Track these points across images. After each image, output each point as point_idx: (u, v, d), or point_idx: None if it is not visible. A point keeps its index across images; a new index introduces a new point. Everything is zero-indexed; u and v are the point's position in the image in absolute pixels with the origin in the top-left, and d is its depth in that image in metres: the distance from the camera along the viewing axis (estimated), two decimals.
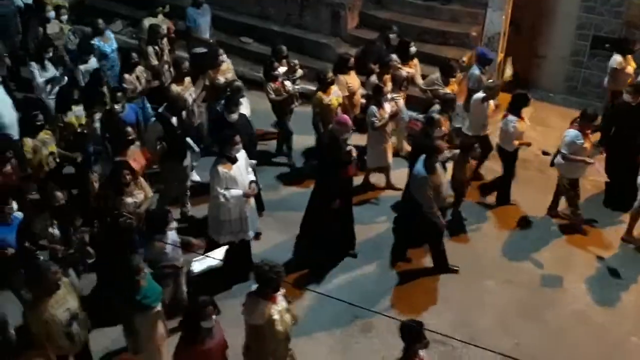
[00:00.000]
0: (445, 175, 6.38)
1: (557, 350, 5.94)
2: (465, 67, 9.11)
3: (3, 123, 7.18)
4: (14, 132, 7.21)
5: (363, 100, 8.26)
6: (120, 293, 5.20)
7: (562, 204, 7.40)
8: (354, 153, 6.70)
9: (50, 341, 4.92)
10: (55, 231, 5.67)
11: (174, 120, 6.93)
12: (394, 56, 8.16)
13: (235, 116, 6.85)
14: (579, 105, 9.03)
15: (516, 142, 7.23)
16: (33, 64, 7.98)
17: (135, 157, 6.54)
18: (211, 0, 10.71)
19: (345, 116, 6.73)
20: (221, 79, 7.94)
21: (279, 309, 4.85)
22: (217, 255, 5.89)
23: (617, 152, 7.30)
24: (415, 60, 8.35)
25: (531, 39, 9.89)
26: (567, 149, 6.86)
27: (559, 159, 7.05)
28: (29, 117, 6.70)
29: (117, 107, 7.14)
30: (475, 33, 9.88)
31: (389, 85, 7.94)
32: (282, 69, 8.01)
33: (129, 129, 6.62)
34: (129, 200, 6.02)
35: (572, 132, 6.87)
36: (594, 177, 7.71)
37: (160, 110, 7.07)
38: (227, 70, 8.21)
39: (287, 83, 8.01)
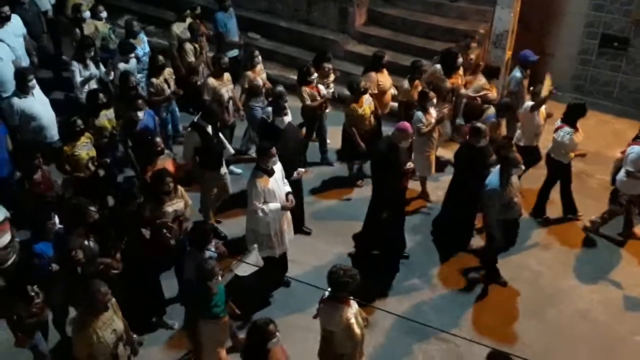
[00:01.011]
0: (519, 187, 6.33)
1: (560, 348, 6.01)
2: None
3: (42, 125, 7.21)
4: (54, 132, 7.27)
5: (394, 104, 8.21)
6: (190, 299, 5.20)
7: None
8: (411, 166, 6.62)
9: None
10: (93, 245, 5.63)
11: (210, 129, 6.89)
12: (438, 66, 8.08)
13: (287, 119, 6.81)
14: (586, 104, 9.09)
15: (572, 155, 7.09)
16: (75, 63, 8.00)
17: (165, 167, 6.48)
18: None
19: (406, 123, 6.57)
20: (259, 80, 8.02)
21: (353, 311, 4.90)
22: (252, 259, 5.78)
23: None
24: (460, 71, 8.28)
25: (540, 37, 9.88)
26: (633, 166, 6.67)
27: (621, 176, 6.85)
28: (68, 123, 6.68)
29: (139, 114, 7.11)
30: (483, 30, 9.90)
31: (419, 88, 7.88)
32: (315, 74, 8.00)
33: (158, 139, 6.59)
34: (169, 209, 5.94)
35: (637, 149, 6.67)
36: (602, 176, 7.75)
37: (196, 119, 7.05)
38: (261, 70, 8.28)
39: (321, 87, 8.01)
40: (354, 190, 8.07)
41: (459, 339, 5.62)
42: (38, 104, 7.19)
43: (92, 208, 5.60)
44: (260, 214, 5.98)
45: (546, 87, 7.60)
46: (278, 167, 6.16)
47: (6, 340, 5.51)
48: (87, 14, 8.99)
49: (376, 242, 6.94)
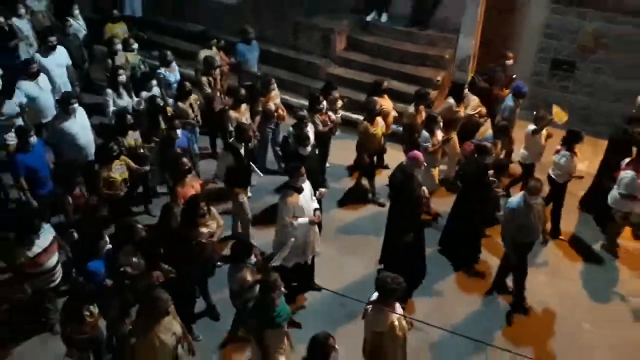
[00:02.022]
0: (540, 212, 6.38)
1: (520, 337, 6.45)
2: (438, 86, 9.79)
3: (79, 145, 7.44)
4: (90, 152, 7.52)
5: (394, 127, 8.73)
6: (255, 309, 5.23)
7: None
8: (426, 193, 6.75)
9: None
10: (141, 261, 5.70)
11: (242, 149, 7.07)
12: (452, 101, 8.27)
13: (309, 149, 6.89)
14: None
15: (569, 176, 7.45)
16: (109, 91, 8.20)
17: (193, 185, 6.69)
18: (218, 25, 11.50)
19: (417, 152, 6.59)
20: (272, 105, 8.39)
21: (397, 315, 5.02)
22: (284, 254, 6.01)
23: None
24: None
25: (497, 60, 9.92)
26: (626, 189, 7.12)
27: (615, 195, 7.28)
28: (106, 148, 6.93)
29: (178, 132, 7.25)
30: (448, 55, 10.52)
31: (423, 115, 8.15)
32: (324, 102, 8.22)
33: (184, 159, 6.70)
34: (204, 230, 6.03)
35: (630, 174, 7.09)
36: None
37: (230, 140, 7.28)
38: (276, 96, 8.56)
39: (330, 114, 8.29)
40: (370, 206, 8.38)
41: (430, 327, 5.79)
42: (77, 126, 7.40)
43: (140, 226, 5.77)
44: (290, 228, 6.12)
45: (557, 115, 8.07)
46: (307, 185, 6.28)
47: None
48: (119, 46, 9.26)
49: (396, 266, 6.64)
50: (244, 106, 8.17)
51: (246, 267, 5.63)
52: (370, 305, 5.02)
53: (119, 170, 6.93)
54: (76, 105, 7.45)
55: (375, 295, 5.09)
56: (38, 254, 5.74)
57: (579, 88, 10.38)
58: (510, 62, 9.28)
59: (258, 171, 7.58)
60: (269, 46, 11.13)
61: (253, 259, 5.70)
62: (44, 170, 7.09)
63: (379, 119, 8.03)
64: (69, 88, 8.85)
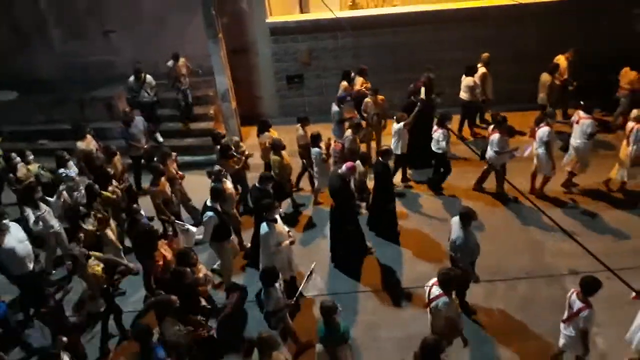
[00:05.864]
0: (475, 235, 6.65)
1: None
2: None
3: (20, 256, 7.25)
4: (30, 264, 7.33)
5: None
6: (325, 334, 5.63)
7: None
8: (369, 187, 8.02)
9: None
10: (181, 327, 5.97)
11: (219, 207, 7.34)
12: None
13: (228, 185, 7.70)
14: (292, 122, 10.12)
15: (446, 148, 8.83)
16: (26, 208, 7.81)
17: (164, 247, 7.06)
18: (7, 120, 11.40)
19: (351, 163, 7.58)
20: (172, 171, 8.70)
21: (457, 302, 5.72)
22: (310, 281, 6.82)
23: None
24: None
25: (250, 87, 12.14)
26: (497, 147, 8.49)
27: (491, 155, 8.57)
28: (73, 258, 6.80)
29: (141, 213, 7.49)
30: (212, 93, 11.84)
31: (308, 134, 9.08)
32: (232, 149, 8.79)
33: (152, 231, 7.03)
34: (201, 275, 6.62)
35: (497, 136, 8.43)
36: None
37: (209, 204, 7.33)
38: (172, 162, 8.84)
39: (238, 155, 8.88)
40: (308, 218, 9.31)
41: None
42: (13, 240, 7.24)
43: (173, 296, 5.94)
44: (276, 253, 6.72)
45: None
46: (277, 216, 6.88)
47: None
48: (18, 159, 8.89)
49: (347, 248, 7.83)
50: (163, 179, 8.23)
51: (275, 289, 6.02)
52: (441, 298, 5.46)
53: (95, 262, 6.93)
54: (7, 222, 7.20)
55: (435, 288, 5.58)
56: None
57: (310, 91, 12.27)
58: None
59: (188, 226, 7.76)
60: (60, 125, 11.55)
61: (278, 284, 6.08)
62: None
63: (284, 152, 8.69)
64: None
